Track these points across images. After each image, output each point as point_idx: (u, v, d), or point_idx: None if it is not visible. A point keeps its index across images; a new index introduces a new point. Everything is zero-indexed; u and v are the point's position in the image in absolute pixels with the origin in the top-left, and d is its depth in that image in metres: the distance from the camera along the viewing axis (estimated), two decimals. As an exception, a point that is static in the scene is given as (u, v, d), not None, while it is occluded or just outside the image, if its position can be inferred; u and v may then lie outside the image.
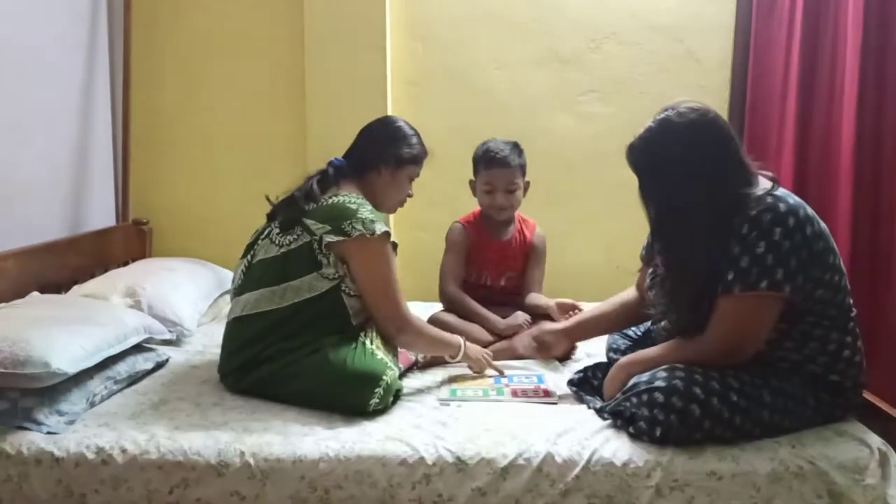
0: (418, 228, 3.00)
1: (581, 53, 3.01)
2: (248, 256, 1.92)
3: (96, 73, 2.83)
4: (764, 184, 1.63)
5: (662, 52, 3.00)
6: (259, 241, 1.91)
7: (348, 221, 1.81)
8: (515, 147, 2.31)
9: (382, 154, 2.00)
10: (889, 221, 2.75)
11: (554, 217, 2.96)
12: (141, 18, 3.00)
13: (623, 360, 1.72)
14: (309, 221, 1.83)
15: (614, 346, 2.00)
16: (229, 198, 3.09)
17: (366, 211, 1.84)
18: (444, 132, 3.02)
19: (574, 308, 2.19)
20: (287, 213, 1.89)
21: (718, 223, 1.58)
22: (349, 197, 1.88)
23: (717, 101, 3.01)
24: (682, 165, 1.60)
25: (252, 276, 1.88)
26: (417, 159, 2.05)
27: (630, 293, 1.98)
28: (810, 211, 1.60)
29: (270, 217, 1.96)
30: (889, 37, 2.73)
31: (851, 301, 1.67)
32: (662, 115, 1.65)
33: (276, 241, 1.85)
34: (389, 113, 2.91)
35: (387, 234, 1.84)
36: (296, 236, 1.83)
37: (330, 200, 1.87)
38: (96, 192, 2.83)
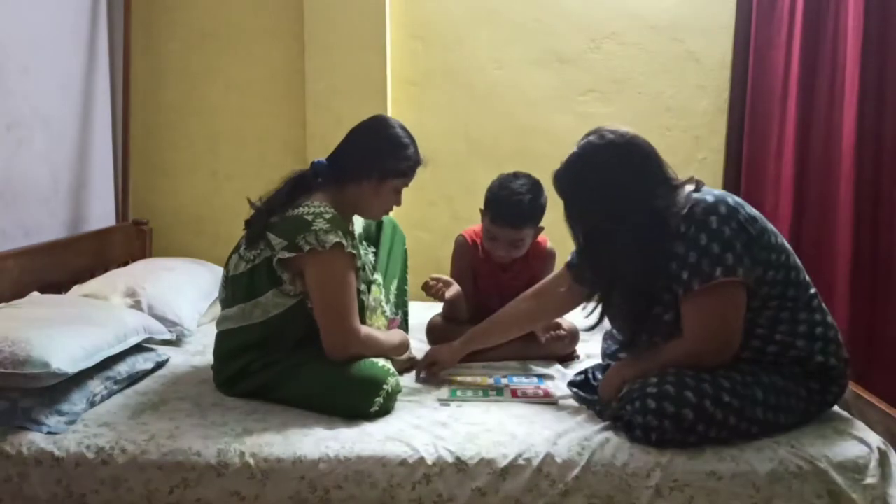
0: (418, 228, 3.00)
1: (581, 53, 3.02)
2: (225, 271, 1.90)
3: (96, 73, 2.83)
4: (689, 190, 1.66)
5: (662, 52, 3.00)
6: (232, 256, 1.88)
7: (302, 235, 1.72)
8: (534, 198, 2.04)
9: (366, 165, 1.85)
10: (889, 221, 2.76)
11: (554, 217, 2.96)
12: (141, 18, 3.01)
13: (617, 364, 1.74)
14: (271, 235, 1.76)
15: (608, 352, 2.00)
16: (229, 198, 3.09)
17: (321, 222, 1.74)
18: (444, 132, 3.03)
19: (558, 327, 2.10)
20: (252, 227, 1.84)
21: (643, 240, 1.61)
22: (310, 207, 1.78)
23: (717, 101, 3.02)
24: (602, 186, 1.64)
25: (229, 293, 1.87)
26: (404, 173, 1.89)
27: (523, 301, 1.98)
28: (738, 198, 1.64)
29: (247, 225, 1.87)
30: (889, 37, 2.73)
31: (808, 278, 1.69)
32: (584, 140, 1.69)
33: (244, 257, 1.82)
34: (389, 113, 2.91)
35: (339, 246, 1.73)
36: (259, 251, 1.79)
37: (293, 212, 1.78)
38: (96, 192, 2.83)
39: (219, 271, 2.70)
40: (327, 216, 1.77)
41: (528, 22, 3.01)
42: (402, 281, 2.18)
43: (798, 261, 1.68)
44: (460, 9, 3.02)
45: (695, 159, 3.04)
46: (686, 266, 1.57)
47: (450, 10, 3.02)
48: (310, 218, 1.76)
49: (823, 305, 1.68)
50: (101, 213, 2.87)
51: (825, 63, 2.84)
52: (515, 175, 2.11)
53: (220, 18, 3.06)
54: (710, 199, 1.60)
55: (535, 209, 2.07)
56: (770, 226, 1.66)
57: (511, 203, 2.03)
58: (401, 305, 2.16)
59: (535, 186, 2.09)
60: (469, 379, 1.96)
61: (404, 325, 2.18)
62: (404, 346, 1.97)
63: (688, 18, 2.98)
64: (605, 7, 2.99)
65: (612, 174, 1.64)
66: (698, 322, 1.59)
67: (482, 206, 2.14)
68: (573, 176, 1.69)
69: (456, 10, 3.02)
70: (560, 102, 3.04)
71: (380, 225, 2.14)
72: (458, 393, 1.85)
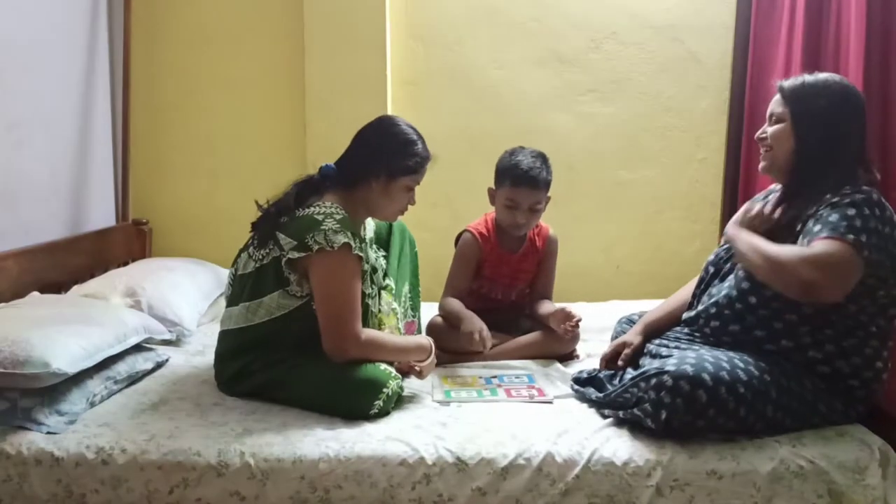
0: (419, 229, 2.99)
1: (581, 53, 3.01)
2: (233, 268, 1.91)
3: (96, 73, 2.83)
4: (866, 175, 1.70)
5: (662, 52, 3.00)
6: (241, 254, 1.89)
7: (311, 235, 1.72)
8: (544, 163, 2.17)
9: (374, 165, 1.85)
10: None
11: (554, 217, 2.96)
12: (141, 18, 3.00)
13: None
14: (280, 236, 1.77)
15: (622, 332, 2.01)
16: (229, 198, 3.09)
17: (331, 222, 1.74)
18: (445, 132, 3.02)
19: (570, 318, 2.08)
20: (262, 227, 1.84)
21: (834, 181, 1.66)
22: (321, 207, 1.79)
23: (717, 101, 3.01)
24: (832, 118, 1.69)
25: (235, 290, 1.87)
26: (413, 170, 1.88)
27: (690, 287, 1.95)
28: None
29: (254, 227, 1.88)
30: (892, 36, 2.72)
31: None
32: (826, 74, 1.74)
33: (253, 256, 1.82)
34: (389, 113, 2.91)
35: (347, 247, 1.73)
36: (268, 251, 1.79)
37: (303, 213, 1.78)
38: (96, 192, 2.83)
39: (219, 271, 2.72)
40: (338, 216, 1.77)
41: (528, 22, 3.01)
42: (414, 283, 2.18)
43: None
44: (460, 9, 3.01)
45: (695, 159, 3.04)
46: (823, 222, 1.57)
47: (450, 10, 3.02)
48: (320, 218, 1.76)
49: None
50: (101, 213, 2.87)
51: (826, 63, 2.84)
52: (520, 147, 2.21)
53: (220, 18, 3.05)
54: (874, 195, 1.62)
55: (548, 171, 2.18)
56: None
57: (527, 165, 2.13)
58: (415, 308, 2.16)
59: (542, 154, 2.20)
60: (460, 380, 1.96)
61: (418, 328, 2.18)
62: (423, 349, 1.89)
63: (688, 18, 2.97)
64: (605, 7, 2.98)
65: (843, 112, 1.69)
66: (816, 254, 1.52)
67: (491, 186, 2.21)
68: (816, 93, 1.72)
69: (456, 10, 3.02)
70: (560, 102, 3.04)
71: (389, 228, 2.14)
72: (453, 394, 1.85)
